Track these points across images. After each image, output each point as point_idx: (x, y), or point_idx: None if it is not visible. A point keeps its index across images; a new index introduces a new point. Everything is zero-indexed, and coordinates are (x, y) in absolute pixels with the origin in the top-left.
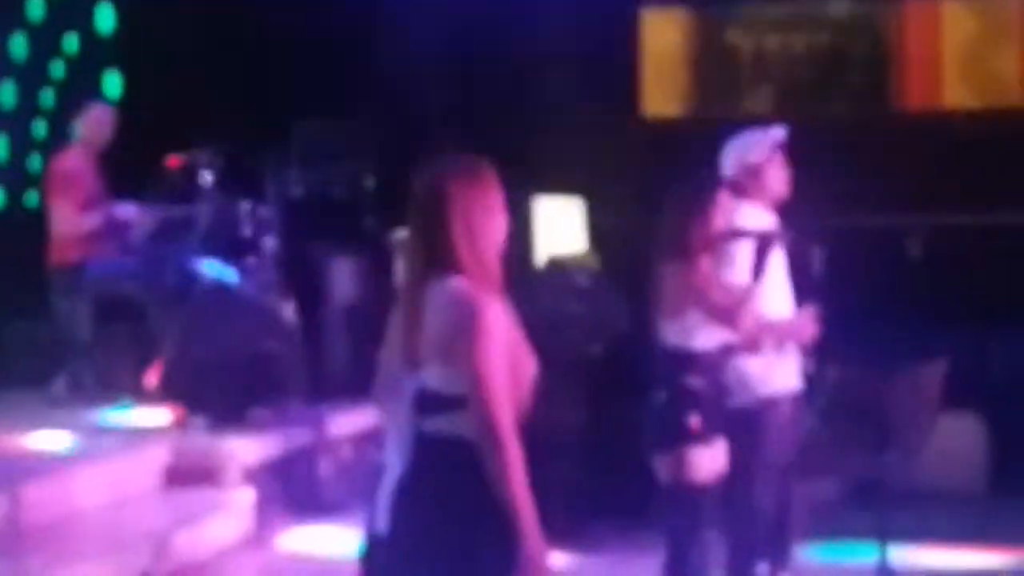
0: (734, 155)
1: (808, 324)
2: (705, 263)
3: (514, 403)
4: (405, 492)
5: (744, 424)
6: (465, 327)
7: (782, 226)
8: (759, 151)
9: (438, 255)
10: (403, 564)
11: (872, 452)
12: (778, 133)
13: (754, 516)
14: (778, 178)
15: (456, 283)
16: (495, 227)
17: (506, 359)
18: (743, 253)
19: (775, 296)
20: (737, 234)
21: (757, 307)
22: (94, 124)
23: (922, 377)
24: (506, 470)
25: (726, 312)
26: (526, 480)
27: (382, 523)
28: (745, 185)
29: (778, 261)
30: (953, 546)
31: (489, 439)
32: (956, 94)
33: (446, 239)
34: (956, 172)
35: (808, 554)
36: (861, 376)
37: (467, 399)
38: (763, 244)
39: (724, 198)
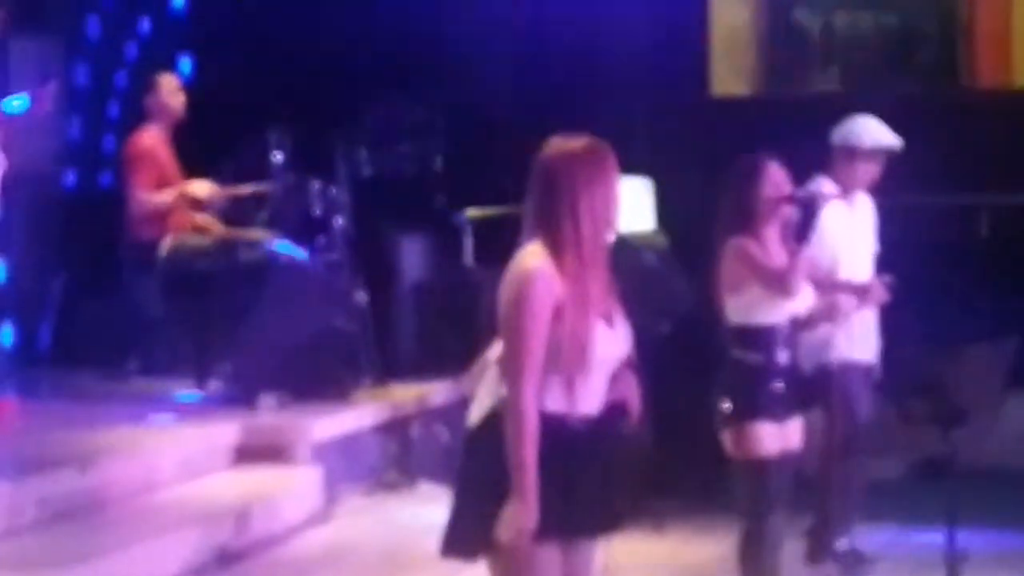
0: (843, 131)
1: (879, 289)
2: (765, 234)
3: (578, 374)
4: (474, 447)
5: (817, 393)
6: (510, 299)
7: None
8: (866, 139)
9: (554, 228)
10: (465, 513)
11: (941, 430)
12: (893, 140)
13: (840, 487)
14: (868, 173)
15: (523, 254)
16: (608, 206)
17: (557, 333)
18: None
19: (851, 265)
20: (785, 200)
21: (806, 268)
22: (164, 93)
23: (992, 355)
24: (514, 435)
25: (777, 277)
26: (532, 448)
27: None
28: (838, 162)
29: (863, 238)
30: (1022, 527)
31: (507, 404)
32: None
33: (560, 214)
34: None
35: (876, 534)
36: (930, 353)
37: None
38: (808, 205)
39: (773, 170)
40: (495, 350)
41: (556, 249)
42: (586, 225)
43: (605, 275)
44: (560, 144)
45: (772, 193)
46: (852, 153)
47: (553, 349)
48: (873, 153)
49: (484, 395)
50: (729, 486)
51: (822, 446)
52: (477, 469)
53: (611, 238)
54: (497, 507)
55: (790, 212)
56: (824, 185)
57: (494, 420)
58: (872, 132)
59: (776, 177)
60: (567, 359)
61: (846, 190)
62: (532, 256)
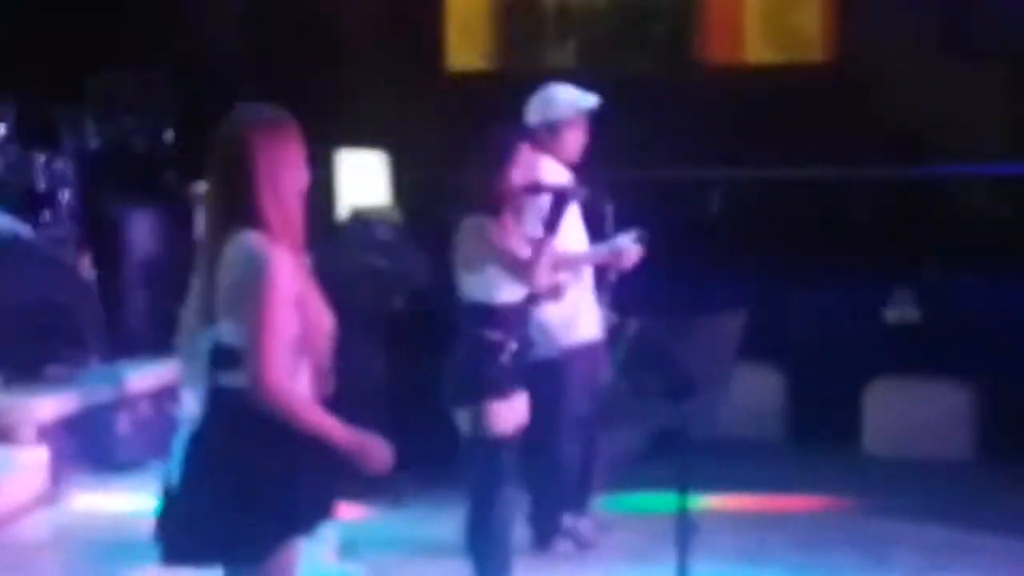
0: (538, 108)
1: (631, 248)
2: (505, 217)
3: (309, 359)
4: (198, 446)
5: (547, 375)
6: (250, 282)
7: (577, 181)
8: (564, 109)
9: (237, 209)
10: (196, 521)
11: (672, 402)
12: (590, 101)
13: (558, 467)
14: (576, 140)
15: (249, 238)
16: (296, 180)
17: (295, 315)
18: (542, 208)
19: (573, 250)
20: (536, 189)
21: (550, 260)
22: None
23: (721, 327)
24: (294, 416)
25: (522, 266)
26: (314, 413)
27: (175, 477)
28: (543, 139)
29: (574, 216)
30: (753, 495)
31: (257, 393)
32: (757, 49)
33: (245, 192)
34: (757, 126)
35: (610, 505)
36: (661, 326)
37: None
38: (558, 199)
39: (525, 152)
40: (202, 338)
41: (274, 229)
42: (281, 200)
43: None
44: (240, 118)
45: (521, 178)
46: (556, 127)
47: (290, 335)
48: (577, 121)
49: (196, 386)
50: (463, 462)
51: (545, 426)
52: (212, 469)
53: (301, 212)
54: (244, 510)
55: (539, 200)
56: (555, 168)
57: (217, 414)
58: (569, 100)
59: (526, 161)
60: (306, 345)
61: (562, 162)
62: (257, 242)
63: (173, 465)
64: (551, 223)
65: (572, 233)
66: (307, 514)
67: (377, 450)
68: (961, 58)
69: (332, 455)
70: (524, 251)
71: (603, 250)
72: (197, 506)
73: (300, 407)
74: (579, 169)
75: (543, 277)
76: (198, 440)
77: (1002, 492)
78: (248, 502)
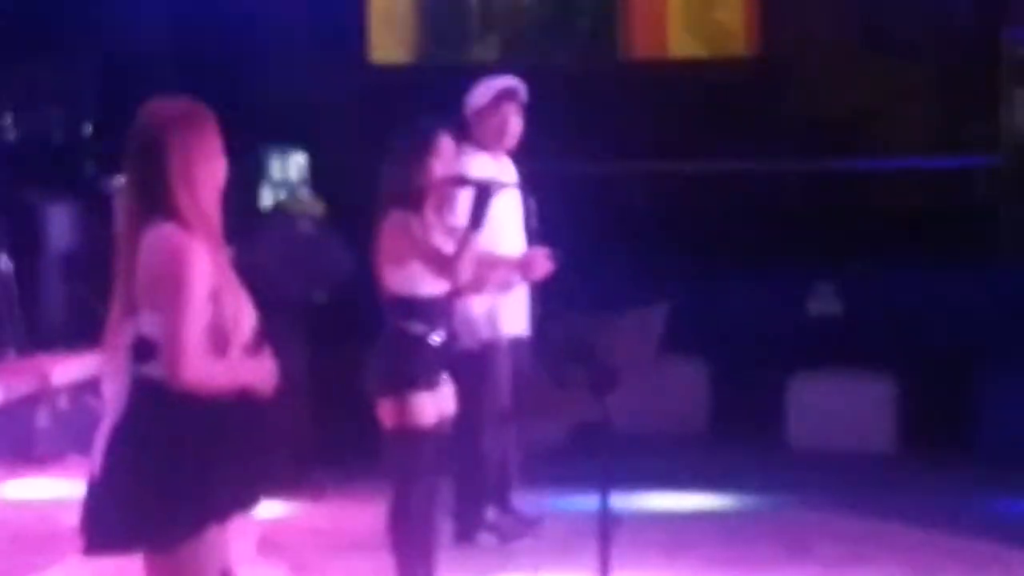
0: (467, 98)
1: (541, 261)
2: (427, 211)
3: (222, 352)
4: (119, 437)
5: (469, 367)
6: (165, 274)
7: (511, 172)
8: (483, 96)
9: (154, 200)
10: (116, 510)
11: (594, 395)
12: (506, 81)
13: (481, 460)
14: (502, 125)
15: (165, 229)
16: (213, 172)
17: (211, 307)
18: (466, 201)
19: (506, 242)
20: (456, 182)
21: (474, 256)
22: None
23: (644, 319)
24: (215, 394)
25: (443, 261)
26: (232, 375)
27: (96, 468)
28: (472, 130)
29: (511, 207)
30: (675, 489)
31: (175, 382)
32: (681, 43)
33: (162, 184)
34: (679, 120)
35: (532, 500)
36: (583, 319)
37: None
38: (481, 193)
39: (445, 145)
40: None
41: (190, 221)
42: (196, 193)
43: (223, 243)
44: (155, 110)
45: (442, 170)
46: (481, 113)
47: (208, 325)
48: (497, 102)
49: (117, 377)
50: (383, 453)
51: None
52: (131, 458)
53: (216, 202)
54: (160, 498)
55: (456, 194)
56: (483, 162)
57: (138, 404)
58: (490, 84)
59: (447, 153)
60: (221, 335)
61: (492, 152)
62: (172, 233)
63: (95, 456)
64: (475, 218)
65: (508, 228)
66: (221, 503)
67: (267, 371)
68: (882, 52)
69: (251, 447)
70: (446, 246)
71: (512, 260)
72: (116, 495)
73: (220, 381)
74: (517, 159)
75: (465, 273)
76: (119, 430)
77: (922, 484)
78: (165, 490)
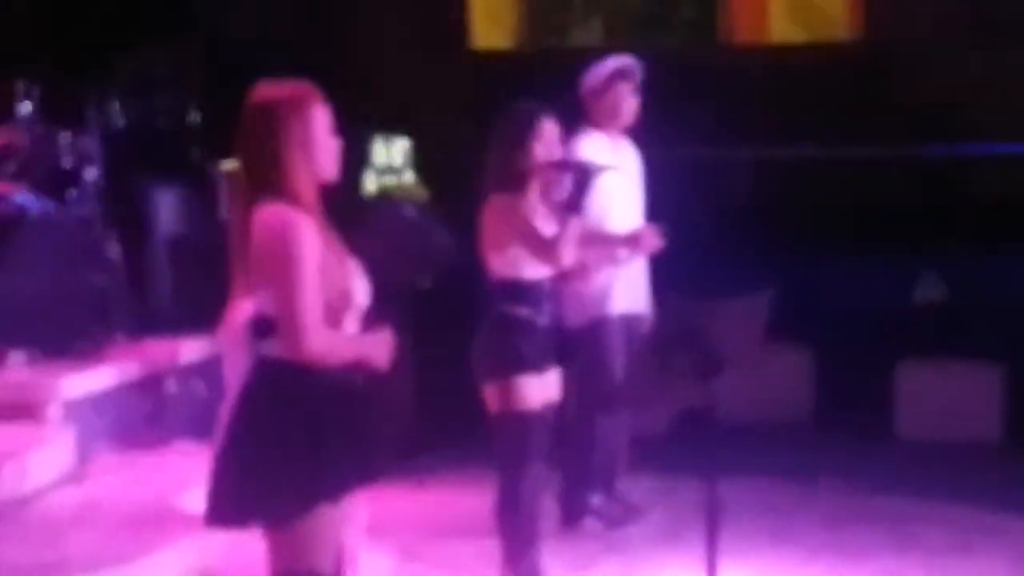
0: (582, 80)
1: (651, 236)
2: (530, 195)
3: (336, 325)
4: (239, 414)
5: (579, 346)
6: (277, 250)
7: (629, 153)
8: (597, 77)
9: (265, 180)
10: (233, 486)
11: (699, 382)
12: (621, 61)
13: (591, 445)
14: (616, 104)
15: (275, 207)
16: (326, 150)
17: (322, 281)
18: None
19: (620, 221)
20: (558, 165)
21: (575, 238)
22: None
23: (749, 307)
24: (335, 355)
25: (545, 245)
26: (347, 354)
27: (217, 445)
28: (587, 111)
29: (627, 187)
30: (781, 477)
31: (299, 358)
32: (782, 28)
33: (272, 164)
34: (782, 106)
35: (637, 487)
36: (687, 306)
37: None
38: (582, 176)
39: (547, 128)
40: (243, 309)
41: (291, 197)
42: (307, 171)
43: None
44: (266, 91)
45: (544, 154)
46: (593, 91)
47: (321, 300)
48: (611, 81)
49: (239, 355)
50: (490, 439)
51: (577, 400)
52: (251, 434)
53: (331, 181)
54: (277, 474)
55: (561, 177)
56: (591, 146)
57: (257, 382)
58: (603, 64)
59: (549, 136)
60: (334, 307)
61: (607, 132)
62: (282, 212)
63: (217, 432)
64: (575, 201)
65: (622, 207)
66: (336, 480)
67: (385, 345)
68: (990, 35)
69: (364, 427)
70: (549, 229)
71: (620, 236)
72: (234, 471)
73: (340, 353)
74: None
75: (567, 256)
76: (239, 407)
77: None
78: (281, 466)
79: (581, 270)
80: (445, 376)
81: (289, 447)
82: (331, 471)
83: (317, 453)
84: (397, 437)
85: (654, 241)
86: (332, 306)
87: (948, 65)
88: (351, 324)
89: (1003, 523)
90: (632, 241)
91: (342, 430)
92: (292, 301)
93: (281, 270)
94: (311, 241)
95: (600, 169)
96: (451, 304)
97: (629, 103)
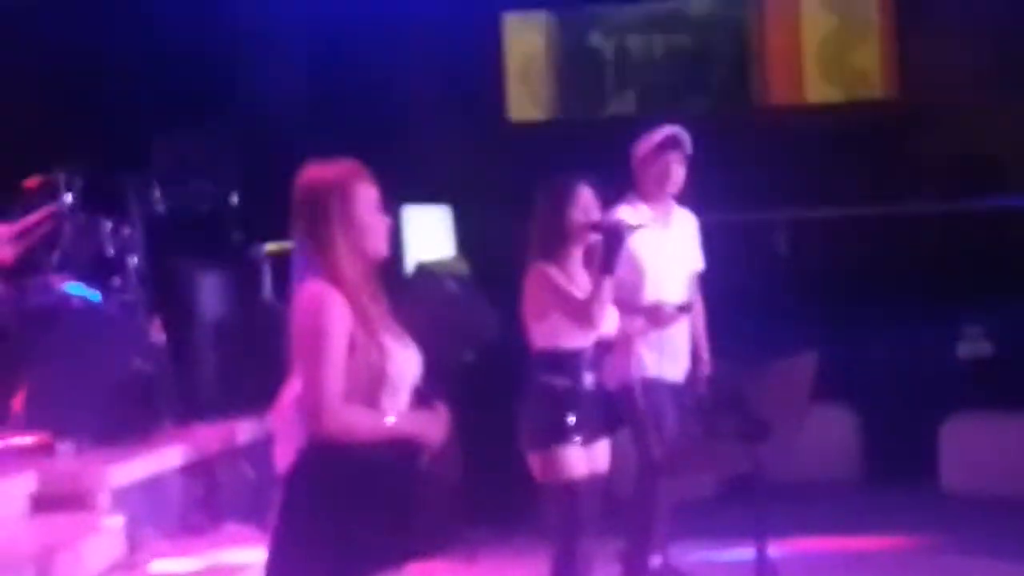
0: (633, 150)
1: (668, 313)
2: (569, 263)
3: (372, 402)
4: (284, 495)
5: (628, 409)
6: (305, 326)
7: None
8: (647, 146)
9: (311, 259)
10: (278, 566)
11: (746, 446)
12: (669, 130)
13: (653, 507)
14: (663, 172)
15: (312, 285)
16: (371, 229)
17: (356, 357)
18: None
19: (666, 279)
20: (591, 228)
21: (607, 299)
22: None
23: (793, 369)
24: (354, 434)
25: (579, 308)
26: (369, 431)
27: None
28: (636, 180)
29: (680, 242)
30: (831, 537)
31: (317, 431)
32: (817, 89)
33: (316, 243)
34: (819, 165)
35: (688, 552)
36: (732, 369)
37: None
38: (611, 237)
39: (583, 195)
40: (294, 387)
41: (332, 276)
42: (351, 249)
43: (381, 297)
44: (315, 170)
45: (580, 218)
46: (643, 160)
47: (353, 377)
48: (660, 150)
49: (289, 435)
50: (539, 511)
51: (635, 467)
52: (296, 513)
53: (381, 258)
54: (322, 550)
55: (595, 240)
56: (629, 211)
57: (306, 460)
58: (652, 133)
59: (585, 201)
60: (369, 385)
61: (655, 202)
62: (319, 289)
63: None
64: (605, 262)
65: (665, 273)
66: (372, 561)
67: (435, 423)
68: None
69: (407, 505)
70: (579, 294)
71: (643, 306)
72: (280, 553)
73: (364, 430)
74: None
75: (600, 317)
76: (285, 488)
77: None
78: (322, 551)
79: (622, 337)
80: (493, 451)
81: (327, 525)
82: (370, 550)
83: (354, 531)
84: (447, 512)
85: (672, 316)
86: (366, 385)
87: (983, 119)
88: (393, 402)
89: None
90: (651, 314)
91: (381, 507)
92: (311, 374)
93: (307, 346)
94: (339, 318)
95: (630, 228)
96: (496, 378)
97: (676, 171)
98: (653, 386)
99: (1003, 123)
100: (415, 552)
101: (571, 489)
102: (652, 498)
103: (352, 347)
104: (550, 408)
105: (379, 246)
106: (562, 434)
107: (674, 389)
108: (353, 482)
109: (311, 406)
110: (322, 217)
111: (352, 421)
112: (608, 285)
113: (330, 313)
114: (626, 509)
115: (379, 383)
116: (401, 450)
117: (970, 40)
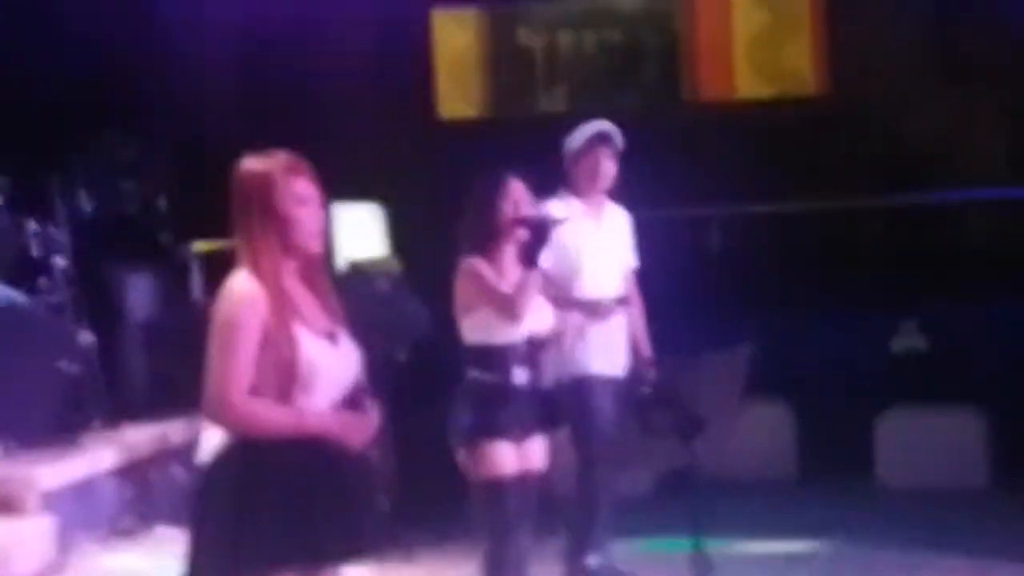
0: (564, 145)
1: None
2: (500, 257)
3: (285, 398)
4: (197, 492)
5: (566, 407)
6: (219, 318)
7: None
8: (577, 141)
9: (241, 252)
10: (192, 562)
11: (681, 441)
12: (599, 126)
13: (594, 505)
14: (594, 168)
15: (235, 278)
16: (295, 222)
17: (269, 352)
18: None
19: (599, 281)
20: (517, 222)
21: (532, 293)
22: None
23: (728, 364)
24: (258, 432)
25: (504, 301)
26: (275, 427)
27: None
28: (569, 176)
29: (612, 237)
30: (766, 533)
31: (218, 420)
32: (748, 84)
33: (239, 235)
34: (751, 161)
35: (624, 548)
36: (666, 365)
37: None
38: (535, 230)
39: (515, 189)
40: None
41: (256, 268)
42: (276, 241)
43: (323, 293)
44: (248, 162)
45: (511, 212)
46: (574, 156)
47: (264, 370)
48: (591, 146)
49: (212, 433)
50: (471, 509)
51: (575, 465)
52: (212, 509)
53: (318, 252)
54: (237, 547)
55: (522, 233)
56: (558, 205)
57: (221, 453)
58: (583, 129)
59: (516, 195)
60: (279, 379)
61: (587, 198)
62: (238, 279)
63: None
64: (530, 255)
65: (597, 268)
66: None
67: (358, 425)
68: (956, 83)
69: (330, 503)
70: (505, 288)
71: (581, 302)
72: (193, 546)
73: (272, 426)
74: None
75: (526, 309)
76: (199, 485)
77: (1019, 518)
78: (224, 545)
79: (559, 333)
80: (430, 449)
81: (239, 521)
82: (271, 548)
83: (253, 529)
84: (381, 511)
85: (607, 311)
86: (276, 380)
87: (916, 114)
88: (309, 399)
89: (992, 570)
90: (590, 309)
91: (299, 504)
92: (216, 366)
93: (218, 337)
94: (251, 309)
95: (556, 222)
96: (428, 377)
97: (606, 167)
98: (590, 382)
99: (935, 118)
100: (327, 553)
101: (499, 486)
102: (593, 496)
103: (265, 340)
104: (478, 404)
105: (307, 241)
106: (490, 430)
107: (613, 384)
108: (262, 479)
109: (214, 396)
110: (243, 207)
111: (255, 414)
112: (534, 278)
113: (241, 304)
114: (567, 508)
115: (290, 378)
116: (318, 450)
117: (901, 35)
